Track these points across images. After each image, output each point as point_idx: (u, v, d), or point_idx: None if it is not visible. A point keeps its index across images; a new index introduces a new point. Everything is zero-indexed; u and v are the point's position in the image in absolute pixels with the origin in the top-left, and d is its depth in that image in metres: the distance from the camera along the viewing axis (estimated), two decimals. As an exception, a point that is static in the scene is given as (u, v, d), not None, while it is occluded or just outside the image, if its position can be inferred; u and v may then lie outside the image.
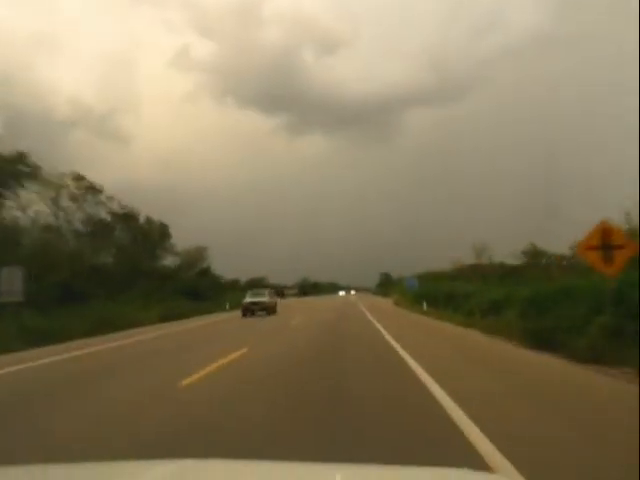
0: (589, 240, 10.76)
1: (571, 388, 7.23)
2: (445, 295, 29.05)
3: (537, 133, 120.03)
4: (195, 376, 8.60)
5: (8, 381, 9.82)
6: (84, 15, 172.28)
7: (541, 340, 11.12)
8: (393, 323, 20.88)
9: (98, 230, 44.95)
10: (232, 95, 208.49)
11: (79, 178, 34.57)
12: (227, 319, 30.01)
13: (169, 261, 54.17)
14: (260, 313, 31.64)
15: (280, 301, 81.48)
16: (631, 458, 3.92)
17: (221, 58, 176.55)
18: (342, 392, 7.14)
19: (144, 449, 4.72)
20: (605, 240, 10.49)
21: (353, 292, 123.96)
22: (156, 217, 50.88)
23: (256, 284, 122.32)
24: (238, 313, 37.52)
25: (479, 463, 3.83)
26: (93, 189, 35.31)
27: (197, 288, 50.30)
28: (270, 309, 33.04)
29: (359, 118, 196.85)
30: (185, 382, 8.09)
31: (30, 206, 31.68)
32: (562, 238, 61.29)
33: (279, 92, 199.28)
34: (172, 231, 53.16)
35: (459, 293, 26.24)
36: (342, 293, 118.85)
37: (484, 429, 4.81)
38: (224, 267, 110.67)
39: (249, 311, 31.90)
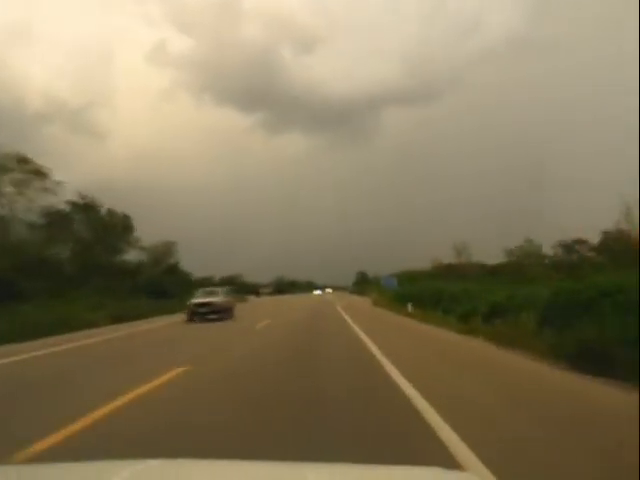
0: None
1: None
2: (432, 295, 25.97)
3: (515, 134, 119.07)
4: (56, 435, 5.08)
5: None
6: (59, 5, 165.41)
7: (588, 358, 7.94)
8: (376, 328, 17.62)
9: (54, 221, 40.83)
10: (210, 91, 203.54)
11: (23, 161, 30.41)
12: (184, 321, 26.39)
13: (132, 256, 50.12)
14: (212, 317, 25.02)
15: (253, 299, 78.89)
16: None
17: (199, 54, 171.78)
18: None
19: None
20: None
21: (329, 290, 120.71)
22: (128, 211, 46.92)
23: (230, 282, 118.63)
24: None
25: None
26: (39, 173, 31.14)
27: (163, 285, 46.37)
28: (225, 312, 26.52)
29: (338, 117, 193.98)
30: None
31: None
32: (541, 238, 59.47)
33: (257, 90, 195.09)
34: (148, 227, 49.62)
35: (450, 293, 23.13)
36: (318, 292, 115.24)
37: None
38: (199, 264, 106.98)
39: (197, 315, 24.94)
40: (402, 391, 6.64)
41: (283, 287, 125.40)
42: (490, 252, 64.53)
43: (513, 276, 45.96)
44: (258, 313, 31.76)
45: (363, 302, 48.99)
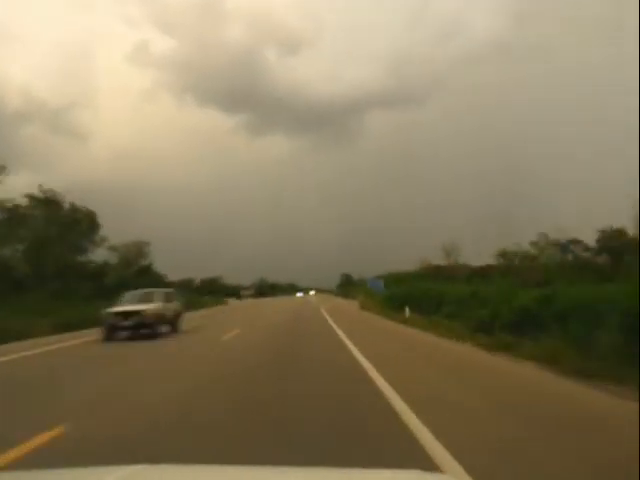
0: None
1: None
2: (430, 298, 22.24)
3: (497, 137, 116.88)
4: None
5: None
6: (40, 4, 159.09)
7: None
8: (374, 342, 13.75)
9: (8, 217, 36.36)
10: (192, 92, 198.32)
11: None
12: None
13: (101, 256, 45.59)
14: (144, 332, 16.85)
15: (234, 302, 74.43)
16: None
17: (181, 54, 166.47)
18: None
19: None
20: None
21: (312, 293, 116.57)
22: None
23: (211, 284, 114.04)
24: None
25: None
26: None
27: (131, 288, 41.90)
28: (165, 324, 18.32)
29: (322, 119, 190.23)
30: None
31: None
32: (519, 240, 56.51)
33: (240, 91, 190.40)
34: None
35: (455, 296, 19.39)
36: (300, 294, 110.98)
37: None
38: (179, 266, 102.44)
39: (117, 330, 16.79)
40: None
41: (264, 289, 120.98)
42: (473, 254, 61.47)
43: (510, 278, 42.84)
44: (232, 318, 27.71)
45: (349, 305, 45.12)
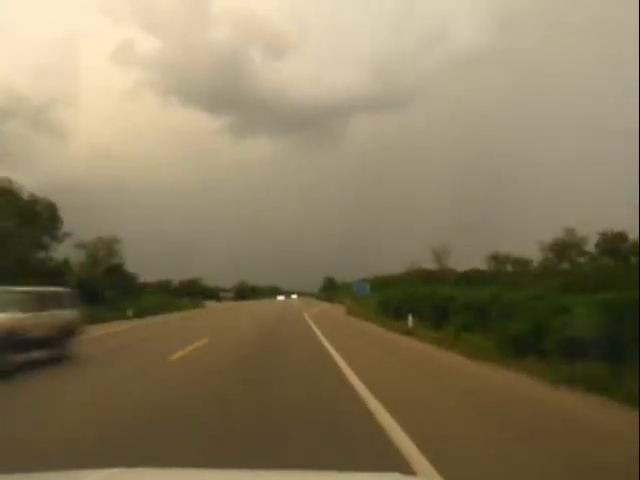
0: None
1: None
2: (435, 305, 18.55)
3: (479, 144, 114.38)
4: None
5: None
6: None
7: None
8: (390, 367, 9.99)
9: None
10: (176, 93, 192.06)
11: None
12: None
13: (63, 254, 41.01)
14: None
15: (212, 305, 69.77)
16: None
17: (166, 55, 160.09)
18: None
19: None
20: None
21: (294, 296, 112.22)
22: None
23: (190, 286, 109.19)
24: (140, 323, 26.05)
25: None
26: None
27: (95, 289, 37.54)
28: (35, 348, 10.45)
29: (305, 122, 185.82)
30: None
31: None
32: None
33: (225, 93, 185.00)
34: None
35: (478, 302, 15.67)
36: (281, 298, 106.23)
37: None
38: (159, 267, 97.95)
39: None
40: None
41: (245, 292, 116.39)
42: (457, 259, 58.35)
43: (506, 283, 39.62)
44: (201, 325, 23.73)
45: (335, 311, 41.28)
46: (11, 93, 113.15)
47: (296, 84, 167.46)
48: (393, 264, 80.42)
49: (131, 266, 53.13)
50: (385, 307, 26.52)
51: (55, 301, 11.62)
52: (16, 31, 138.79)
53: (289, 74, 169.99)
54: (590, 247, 45.32)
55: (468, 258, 60.03)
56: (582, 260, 47.71)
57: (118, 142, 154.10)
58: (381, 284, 60.00)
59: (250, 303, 73.57)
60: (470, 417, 5.84)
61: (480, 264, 56.81)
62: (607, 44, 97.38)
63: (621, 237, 42.42)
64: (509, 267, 53.93)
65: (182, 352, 11.92)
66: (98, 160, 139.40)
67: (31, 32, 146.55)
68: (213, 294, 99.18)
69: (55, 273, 35.80)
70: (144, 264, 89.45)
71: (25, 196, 36.75)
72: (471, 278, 51.11)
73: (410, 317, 17.00)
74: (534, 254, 51.39)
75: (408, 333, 15.77)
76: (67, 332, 11.56)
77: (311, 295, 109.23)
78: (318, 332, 17.48)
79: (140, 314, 35.17)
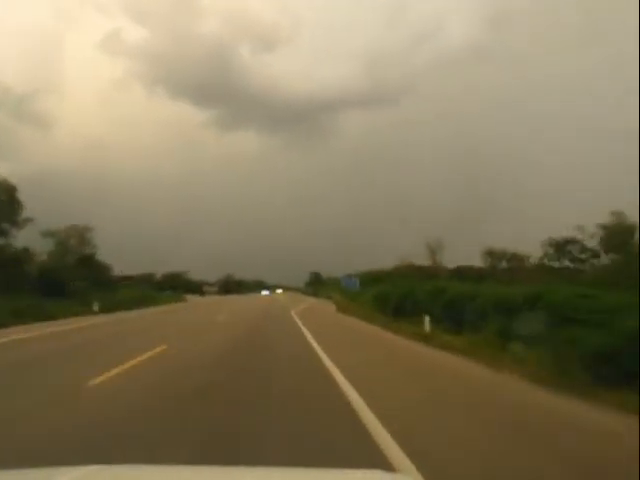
0: None
1: None
2: (450, 303, 14.97)
3: (469, 142, 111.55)
4: None
5: None
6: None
7: None
8: (427, 404, 6.31)
9: None
10: (163, 84, 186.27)
11: None
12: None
13: (33, 242, 36.80)
14: None
15: (193, 298, 65.46)
16: None
17: (154, 45, 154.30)
18: None
19: None
20: None
21: (279, 291, 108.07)
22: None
23: (173, 279, 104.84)
24: (101, 319, 22.44)
25: None
26: None
27: (60, 280, 33.45)
28: None
29: (295, 117, 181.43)
30: None
31: None
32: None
33: (213, 85, 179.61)
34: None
35: (496, 302, 12.11)
36: (265, 292, 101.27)
37: None
38: (143, 260, 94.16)
39: None
40: None
41: (230, 286, 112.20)
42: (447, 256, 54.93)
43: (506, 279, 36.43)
44: (166, 326, 20.02)
45: (323, 306, 37.62)
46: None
47: (286, 79, 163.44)
48: (380, 260, 77.40)
49: (114, 258, 49.39)
50: (381, 304, 22.96)
51: None
52: (1, 20, 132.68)
53: (279, 68, 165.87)
54: (592, 243, 42.30)
55: (459, 254, 56.94)
56: (583, 256, 44.76)
57: (104, 132, 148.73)
58: (371, 279, 56.63)
59: (233, 298, 69.63)
60: None
61: (471, 260, 53.71)
62: (602, 44, 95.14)
63: (624, 229, 39.43)
64: (504, 263, 50.84)
65: (115, 370, 8.18)
66: (83, 150, 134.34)
67: (15, 21, 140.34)
68: (198, 288, 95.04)
69: (12, 262, 31.67)
70: (127, 256, 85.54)
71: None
72: (463, 274, 47.97)
73: (427, 320, 13.29)
74: (529, 250, 48.58)
75: (425, 339, 12.12)
76: None
77: (297, 290, 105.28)
78: (306, 331, 13.65)
79: (109, 309, 31.30)
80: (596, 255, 43.88)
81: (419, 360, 9.87)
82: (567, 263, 44.93)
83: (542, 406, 6.14)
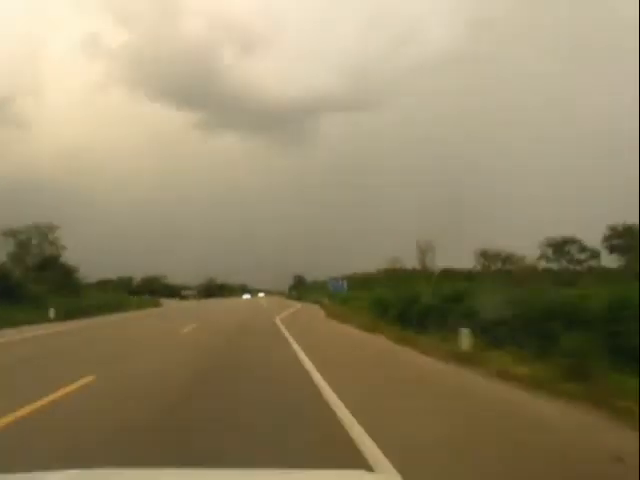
0: None
1: None
2: (483, 309, 11.47)
3: (445, 146, 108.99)
4: None
5: None
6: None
7: None
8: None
9: None
10: (144, 87, 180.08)
11: None
12: None
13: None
14: None
15: (170, 303, 60.90)
16: None
17: (134, 47, 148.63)
18: None
19: None
20: None
21: (262, 295, 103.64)
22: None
23: (152, 283, 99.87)
24: (52, 328, 18.67)
25: None
26: None
27: (17, 283, 29.20)
28: None
29: (276, 119, 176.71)
30: None
31: None
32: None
33: (194, 88, 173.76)
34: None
35: (565, 310, 8.63)
36: (247, 296, 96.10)
37: None
38: (122, 263, 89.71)
39: None
40: None
41: (213, 290, 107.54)
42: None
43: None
44: (117, 340, 16.17)
45: (311, 312, 33.85)
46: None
47: (268, 82, 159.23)
48: (363, 263, 74.55)
49: (93, 262, 45.18)
50: (382, 310, 19.45)
51: None
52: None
53: (261, 71, 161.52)
54: (593, 243, 39.61)
55: (445, 257, 53.75)
56: (583, 257, 42.07)
57: (83, 135, 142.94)
58: (359, 282, 53.22)
59: (211, 302, 65.37)
60: None
61: (458, 263, 50.60)
62: (582, 45, 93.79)
63: (631, 231, 36.73)
64: (499, 264, 47.91)
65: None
66: (63, 153, 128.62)
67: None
68: (176, 292, 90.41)
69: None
70: (106, 260, 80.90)
71: None
72: (452, 277, 44.93)
73: (466, 332, 9.60)
74: (520, 251, 45.90)
75: (468, 362, 8.51)
76: None
77: (281, 294, 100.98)
78: (309, 365, 9.64)
79: (69, 316, 27.23)
80: (595, 255, 41.28)
81: (500, 410, 6.03)
82: (565, 264, 42.25)
83: None
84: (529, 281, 30.58)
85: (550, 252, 41.72)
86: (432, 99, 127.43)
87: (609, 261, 38.21)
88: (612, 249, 36.39)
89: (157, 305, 51.67)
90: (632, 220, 34.55)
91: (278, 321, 22.01)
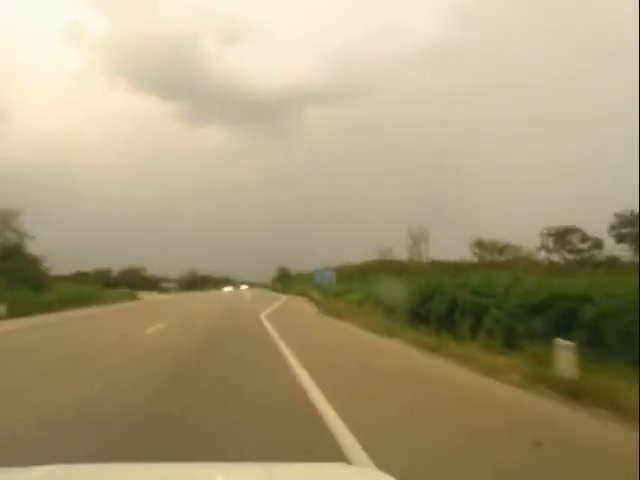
0: None
1: None
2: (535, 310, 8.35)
3: (430, 139, 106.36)
4: None
5: None
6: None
7: None
8: None
9: None
10: (125, 76, 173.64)
11: None
12: None
13: None
14: None
15: (149, 296, 56.96)
16: None
17: (115, 36, 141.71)
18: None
19: None
20: None
21: (244, 287, 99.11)
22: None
23: (131, 275, 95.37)
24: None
25: None
26: None
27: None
28: None
29: (262, 112, 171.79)
30: None
31: None
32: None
33: (177, 79, 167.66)
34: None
35: None
36: (228, 289, 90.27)
37: None
38: (101, 255, 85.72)
39: None
40: None
41: (195, 282, 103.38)
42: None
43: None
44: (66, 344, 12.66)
45: (300, 306, 30.44)
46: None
47: (252, 73, 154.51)
48: (349, 254, 71.69)
49: (71, 253, 41.13)
50: (388, 307, 16.24)
51: None
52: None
53: (245, 62, 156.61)
54: (598, 232, 36.97)
55: (435, 247, 50.94)
56: (585, 246, 39.47)
57: (63, 124, 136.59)
58: (346, 274, 50.18)
59: (192, 295, 61.63)
60: None
61: (450, 253, 47.78)
62: (572, 44, 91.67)
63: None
64: (494, 255, 45.12)
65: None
66: (41, 142, 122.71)
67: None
68: (156, 284, 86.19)
69: None
70: (85, 251, 76.72)
71: None
72: (443, 268, 42.14)
73: (566, 346, 6.20)
74: (515, 242, 43.32)
75: (592, 400, 5.22)
76: None
77: (264, 286, 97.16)
78: (320, 398, 6.02)
79: (25, 312, 23.65)
80: (598, 245, 38.74)
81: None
82: (565, 255, 39.64)
83: None
84: (532, 272, 27.88)
85: (550, 242, 38.99)
86: (423, 89, 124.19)
87: (616, 251, 35.34)
88: (620, 238, 33.69)
89: (133, 299, 47.79)
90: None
91: (264, 318, 18.64)
